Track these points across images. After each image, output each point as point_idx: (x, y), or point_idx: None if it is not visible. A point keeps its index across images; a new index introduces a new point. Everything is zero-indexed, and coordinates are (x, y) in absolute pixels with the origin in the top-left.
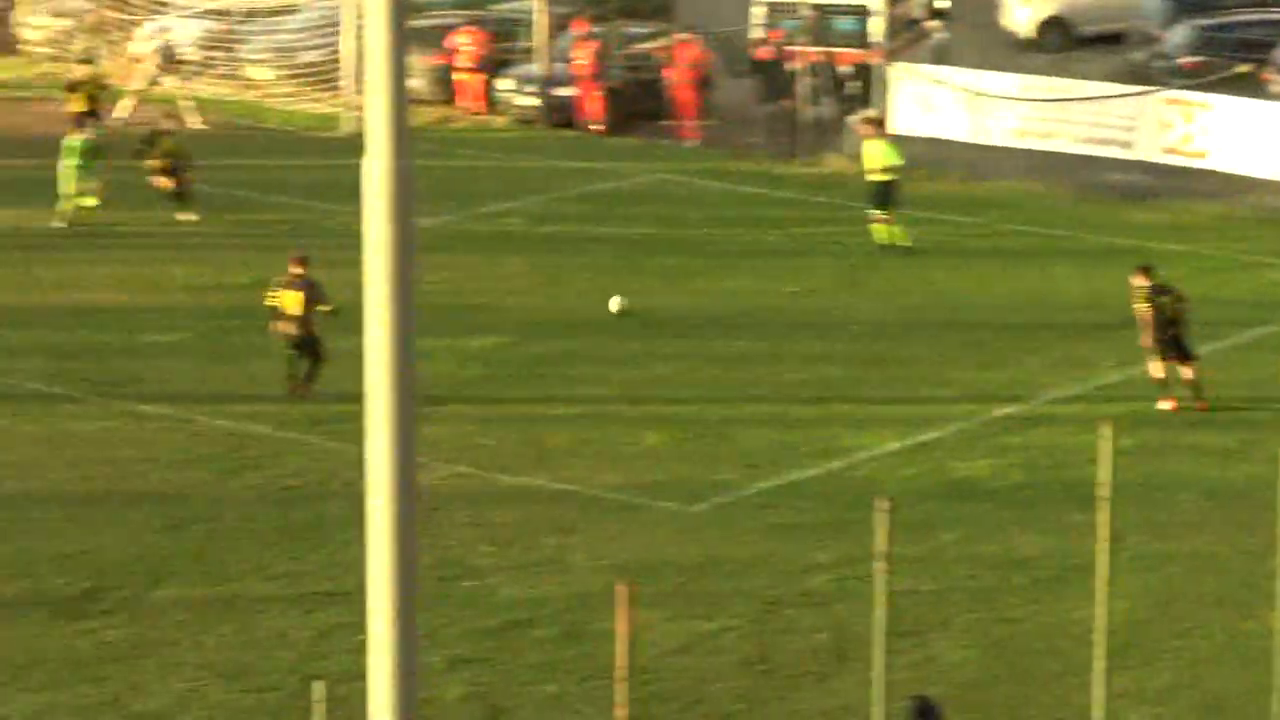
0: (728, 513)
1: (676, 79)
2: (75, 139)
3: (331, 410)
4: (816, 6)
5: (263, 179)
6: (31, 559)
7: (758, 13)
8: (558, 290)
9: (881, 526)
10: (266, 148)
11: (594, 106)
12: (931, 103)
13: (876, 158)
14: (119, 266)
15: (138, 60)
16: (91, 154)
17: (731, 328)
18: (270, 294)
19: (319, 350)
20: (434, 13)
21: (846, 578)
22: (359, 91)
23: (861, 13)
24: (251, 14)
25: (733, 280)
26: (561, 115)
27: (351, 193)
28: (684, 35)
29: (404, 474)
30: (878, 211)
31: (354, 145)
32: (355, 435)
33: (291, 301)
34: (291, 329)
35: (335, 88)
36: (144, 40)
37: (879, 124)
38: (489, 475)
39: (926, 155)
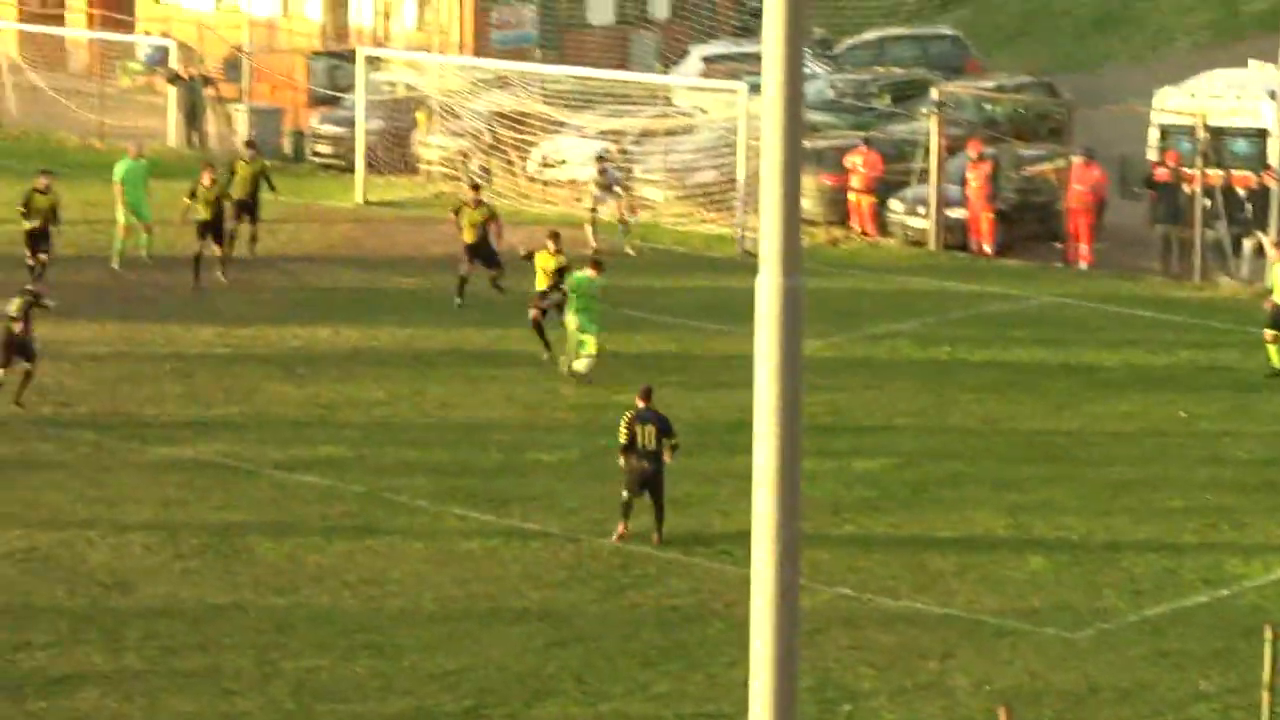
0: (1111, 639)
1: (1071, 202)
2: (587, 275)
3: (715, 531)
4: (1212, 128)
5: (654, 299)
6: (416, 676)
7: (1152, 135)
8: (945, 413)
9: (1267, 655)
10: (660, 268)
11: (985, 228)
12: None
13: None
14: (507, 385)
15: (577, 184)
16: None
17: (1118, 452)
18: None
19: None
20: (830, 134)
21: (1232, 707)
22: (752, 211)
23: (1259, 135)
24: (646, 135)
25: (1122, 404)
26: (952, 237)
27: (742, 313)
28: (1079, 157)
29: (787, 596)
30: (1274, 331)
31: (746, 265)
32: (738, 556)
33: (646, 436)
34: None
35: (728, 208)
36: (570, 162)
37: None
38: (871, 598)
39: None
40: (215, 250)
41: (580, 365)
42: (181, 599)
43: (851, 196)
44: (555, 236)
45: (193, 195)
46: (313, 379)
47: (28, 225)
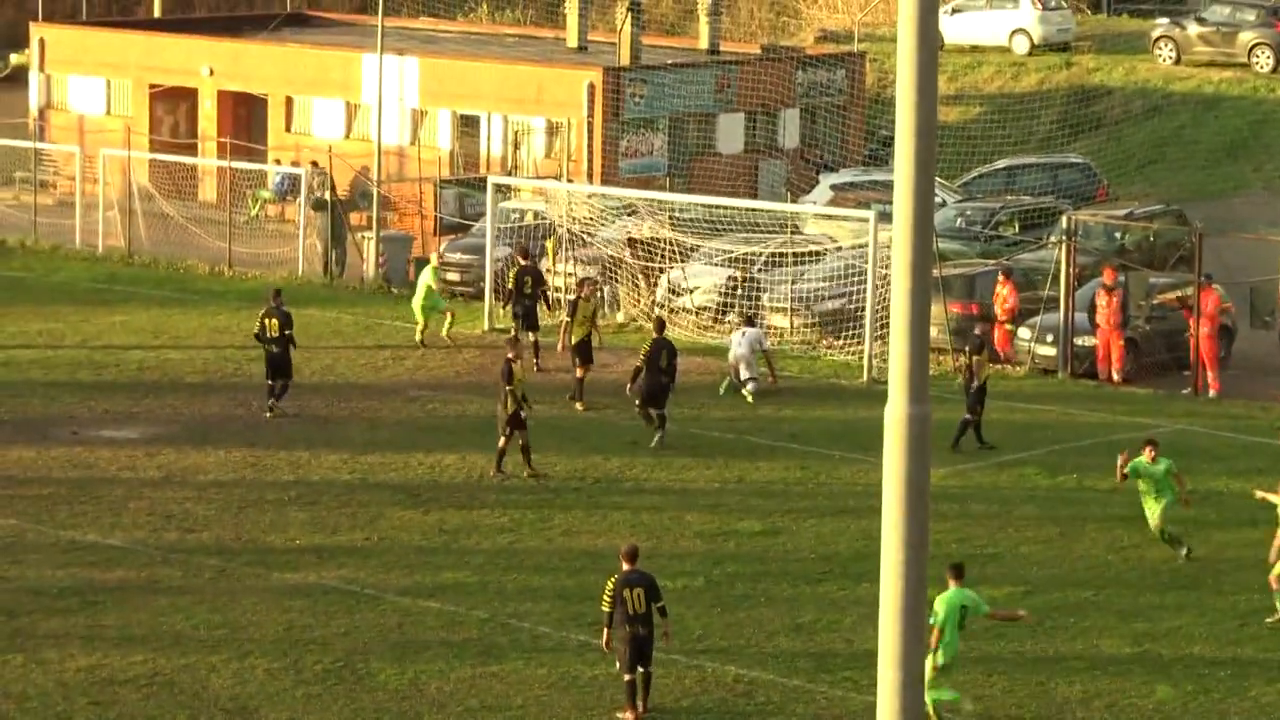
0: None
1: (1198, 329)
2: None
3: (839, 658)
4: None
5: (781, 426)
6: None
7: None
8: (1071, 541)
9: None
10: (788, 395)
11: (1115, 355)
12: None
13: None
14: (632, 513)
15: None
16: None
17: (1247, 579)
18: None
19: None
20: (959, 262)
21: None
22: (880, 339)
23: None
24: (774, 262)
25: (1251, 532)
26: (1081, 365)
27: (870, 441)
28: (1206, 284)
29: None
30: None
31: (874, 394)
32: (862, 684)
33: (636, 600)
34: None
35: (856, 336)
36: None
37: None
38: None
39: None
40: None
41: None
42: None
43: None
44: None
45: None
46: (437, 505)
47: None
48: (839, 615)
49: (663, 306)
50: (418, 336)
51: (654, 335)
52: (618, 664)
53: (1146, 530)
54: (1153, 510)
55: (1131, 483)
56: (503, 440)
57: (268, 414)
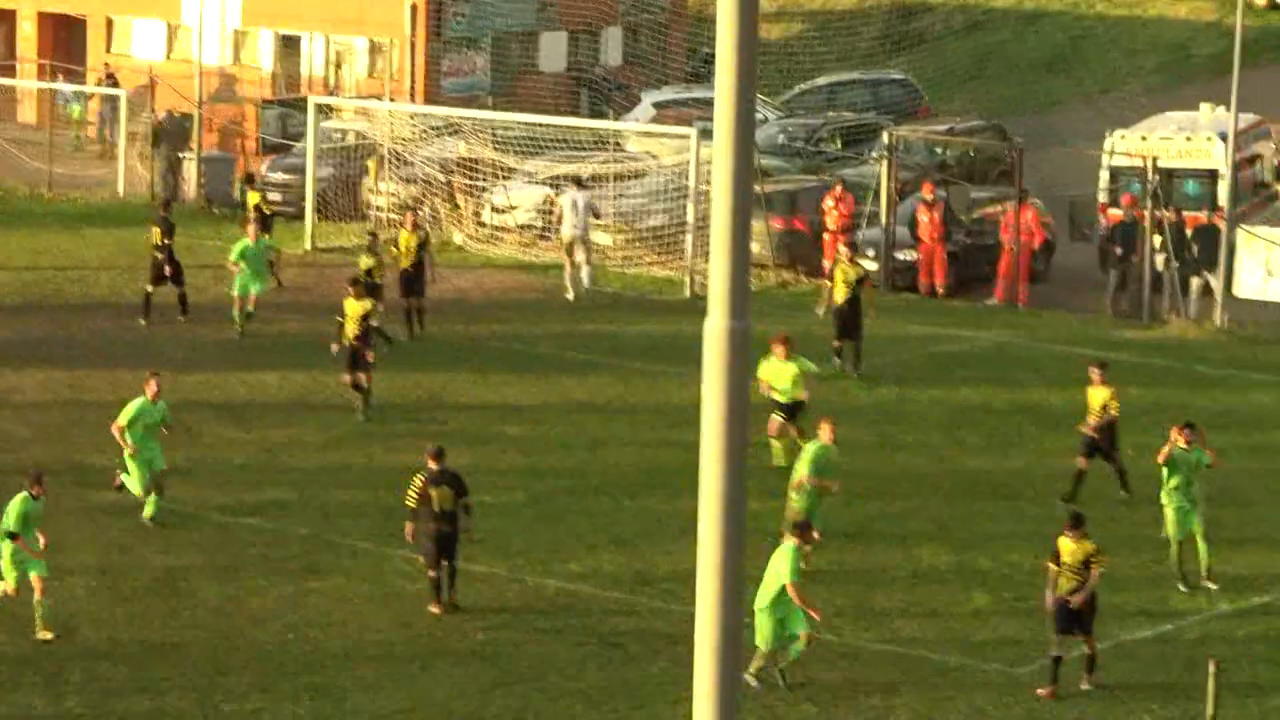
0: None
1: (1010, 243)
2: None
3: (660, 571)
4: (1163, 170)
5: (603, 342)
6: (357, 717)
7: (1103, 177)
8: (892, 452)
9: (1210, 689)
10: (609, 311)
11: (938, 269)
12: (1277, 266)
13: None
14: (452, 428)
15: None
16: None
17: (1057, 489)
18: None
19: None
20: (781, 178)
21: None
22: (701, 255)
23: (1209, 176)
24: (595, 180)
25: (1068, 441)
26: (902, 278)
27: (690, 356)
28: (1019, 199)
29: (730, 634)
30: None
31: (695, 309)
32: (683, 595)
33: (442, 498)
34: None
35: (678, 251)
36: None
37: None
38: (815, 635)
39: (1271, 319)
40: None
41: None
42: (123, 642)
43: (825, 237)
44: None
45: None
46: (259, 424)
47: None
48: (659, 529)
49: (483, 225)
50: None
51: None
52: (423, 559)
53: (966, 439)
54: (1176, 515)
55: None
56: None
57: (182, 317)
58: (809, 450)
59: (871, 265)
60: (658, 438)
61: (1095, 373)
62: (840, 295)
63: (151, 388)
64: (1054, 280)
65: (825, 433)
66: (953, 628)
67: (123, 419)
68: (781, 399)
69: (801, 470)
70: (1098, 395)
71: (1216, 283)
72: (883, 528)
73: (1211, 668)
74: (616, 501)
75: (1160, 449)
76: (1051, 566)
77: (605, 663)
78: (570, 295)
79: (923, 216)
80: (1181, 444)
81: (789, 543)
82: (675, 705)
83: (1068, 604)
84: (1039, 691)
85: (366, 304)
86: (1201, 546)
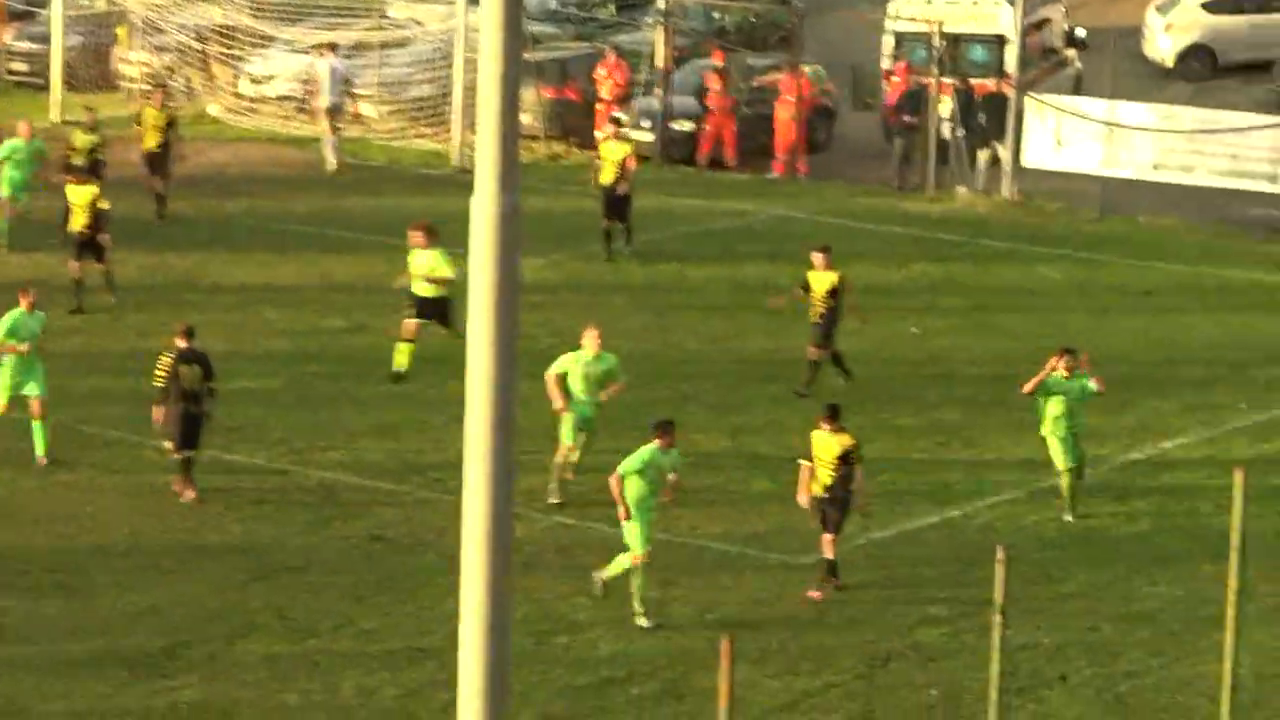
0: (837, 563)
1: (784, 112)
2: None
3: (426, 459)
4: (949, 35)
5: (366, 219)
6: (110, 615)
7: (887, 42)
8: (667, 333)
9: (998, 577)
10: (372, 185)
11: (727, 139)
12: (1066, 135)
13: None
14: (210, 311)
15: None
16: None
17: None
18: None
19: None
20: (553, 45)
21: (962, 631)
22: (469, 127)
23: (996, 41)
24: (359, 48)
25: (851, 320)
26: (679, 150)
27: (458, 233)
28: (794, 67)
29: (500, 525)
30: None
31: (462, 183)
32: (450, 485)
33: (191, 377)
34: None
35: (444, 123)
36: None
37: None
38: (589, 525)
39: (1059, 190)
40: None
41: None
42: None
43: (599, 107)
44: None
45: None
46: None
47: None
48: (427, 415)
49: (241, 97)
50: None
51: None
52: (168, 443)
53: (746, 320)
54: (1062, 445)
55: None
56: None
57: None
58: (565, 360)
59: (647, 137)
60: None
61: (818, 257)
62: (607, 175)
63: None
64: (837, 151)
65: (590, 343)
66: (732, 516)
67: None
68: (423, 293)
69: (555, 370)
70: (822, 281)
71: (1005, 153)
72: (659, 414)
73: (1000, 554)
74: (382, 388)
75: (1028, 378)
76: (804, 463)
77: (370, 555)
78: (330, 166)
79: (713, 85)
80: (1061, 372)
81: (653, 441)
82: (443, 600)
83: (825, 501)
84: (810, 594)
85: (92, 188)
86: (1075, 483)
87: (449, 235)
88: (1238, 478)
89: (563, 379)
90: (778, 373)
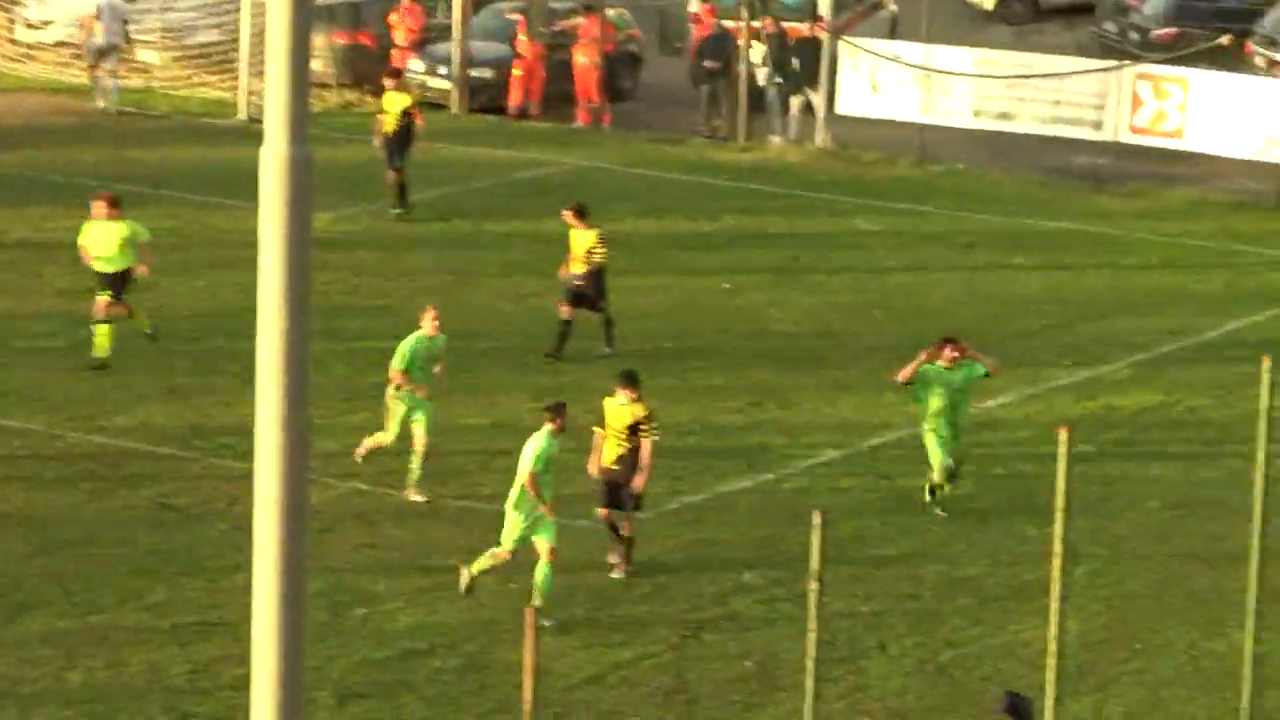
0: (647, 529)
1: (584, 58)
2: None
3: (215, 424)
4: None
5: (151, 170)
6: None
7: None
8: (468, 290)
9: (815, 543)
10: (156, 136)
11: (536, 86)
12: (882, 81)
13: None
14: None
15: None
16: None
17: (655, 327)
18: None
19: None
20: None
21: (776, 599)
22: (257, 74)
23: None
24: None
25: (659, 275)
26: (478, 98)
27: (247, 184)
28: (594, 10)
29: (294, 492)
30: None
31: (250, 132)
32: (241, 450)
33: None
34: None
35: (231, 70)
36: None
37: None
38: (387, 491)
39: (876, 138)
40: None
41: None
42: None
43: (394, 53)
44: None
45: None
46: None
47: None
48: (215, 377)
49: (17, 43)
50: None
51: None
52: None
53: (549, 275)
54: (938, 443)
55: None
56: None
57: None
58: (406, 345)
59: (444, 84)
60: (214, 277)
61: (570, 216)
62: (390, 126)
63: None
64: (644, 99)
65: (429, 324)
66: None
67: None
68: (105, 269)
69: (396, 367)
70: (581, 240)
71: (818, 100)
72: (461, 380)
73: (816, 519)
74: (170, 346)
75: (906, 366)
76: (597, 431)
77: (158, 525)
78: (102, 104)
79: (522, 34)
80: (942, 363)
81: (545, 426)
82: (235, 572)
83: (613, 473)
84: (610, 568)
85: None
86: (940, 476)
87: (236, 187)
88: (1062, 437)
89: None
90: (584, 330)
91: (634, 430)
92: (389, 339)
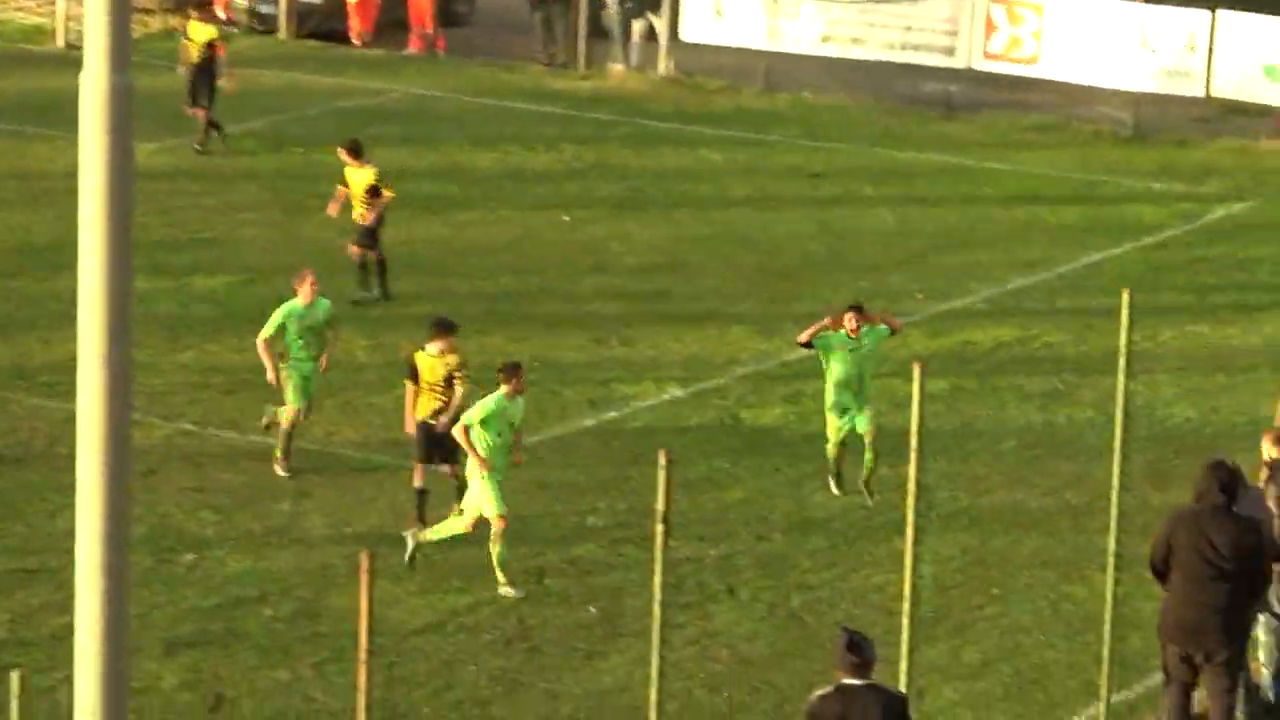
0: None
1: None
2: None
3: (35, 361)
4: None
5: None
6: None
7: None
8: (298, 223)
9: (661, 484)
10: None
11: (370, 11)
12: (726, 6)
13: None
14: None
15: None
16: None
17: (493, 261)
18: None
19: None
20: None
21: (621, 541)
22: None
23: None
24: None
25: (498, 208)
26: (307, 23)
27: (67, 114)
28: None
29: (118, 433)
30: None
31: (69, 60)
32: (61, 389)
33: None
34: None
35: None
36: None
37: None
38: (215, 432)
39: (720, 65)
40: None
41: None
42: None
43: None
44: None
45: None
46: None
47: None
48: (34, 312)
49: None
50: None
51: None
52: None
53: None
54: (843, 417)
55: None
56: None
57: None
58: (277, 314)
59: (270, 8)
60: (31, 213)
61: (345, 154)
62: (194, 55)
63: None
64: (480, 25)
65: (305, 291)
66: (372, 421)
67: None
68: None
69: (261, 335)
70: (358, 178)
71: (661, 25)
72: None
73: (662, 460)
74: None
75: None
76: (409, 384)
77: None
78: None
79: None
80: (846, 330)
81: (500, 389)
82: (56, 516)
83: (431, 427)
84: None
85: None
86: (868, 454)
87: (54, 117)
88: (916, 374)
89: (277, 338)
90: (419, 264)
91: (449, 383)
92: (216, 273)
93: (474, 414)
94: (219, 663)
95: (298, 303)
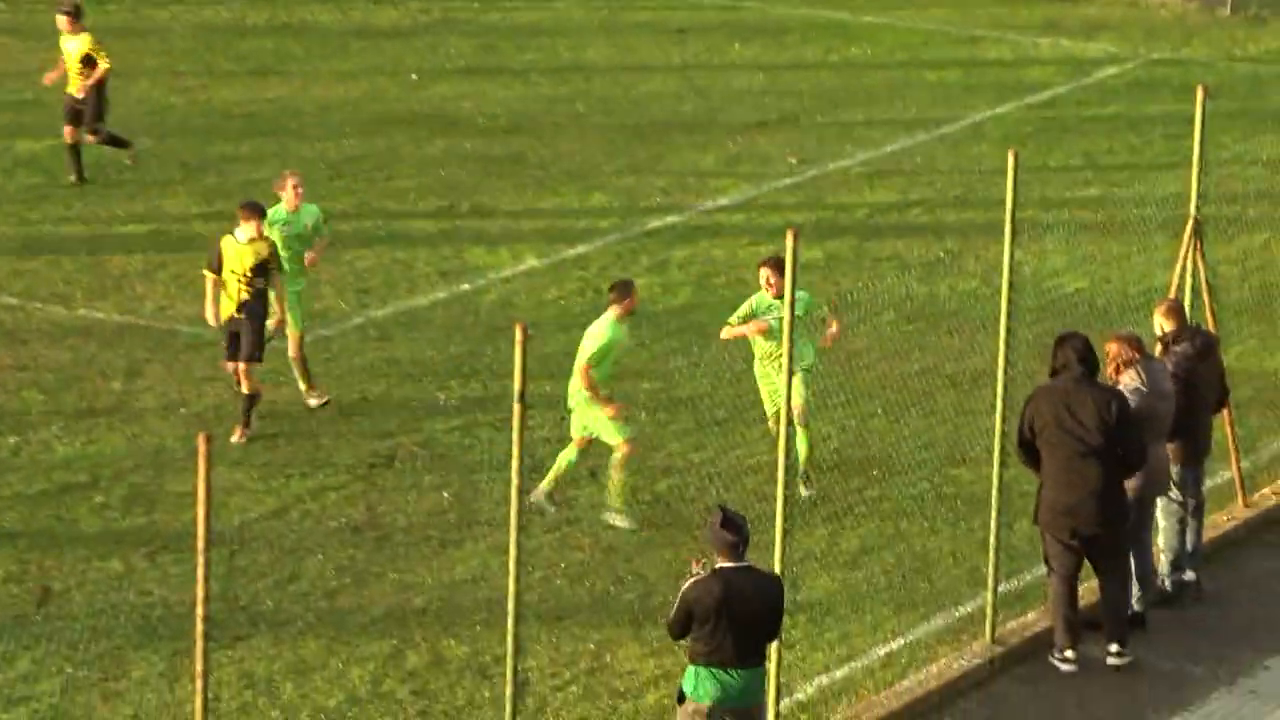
0: (330, 347)
1: None
2: None
3: None
4: None
5: None
6: None
7: None
8: (123, 80)
9: (518, 359)
10: None
11: None
12: None
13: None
14: None
15: None
16: None
17: (336, 121)
18: None
19: None
20: None
21: (476, 424)
22: None
23: None
24: None
25: (339, 64)
26: None
27: None
28: None
29: None
30: None
31: None
32: None
33: None
34: None
35: None
36: None
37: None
38: (40, 307)
39: None
40: None
41: None
42: None
43: None
44: None
45: None
46: None
47: None
48: None
49: None
50: None
51: None
52: None
53: (215, 62)
54: (776, 385)
55: None
56: None
57: None
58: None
59: None
60: None
61: (64, 21)
62: None
63: None
64: None
65: (287, 194)
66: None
67: None
68: None
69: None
70: (74, 48)
71: None
72: (116, 175)
73: (519, 334)
74: None
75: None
76: (209, 274)
77: None
78: None
79: None
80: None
81: (609, 311)
82: None
83: (239, 323)
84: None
85: None
86: (800, 434)
87: None
88: (788, 243)
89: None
90: (258, 125)
91: (260, 271)
92: (39, 136)
93: (589, 351)
94: (46, 554)
95: (281, 209)
